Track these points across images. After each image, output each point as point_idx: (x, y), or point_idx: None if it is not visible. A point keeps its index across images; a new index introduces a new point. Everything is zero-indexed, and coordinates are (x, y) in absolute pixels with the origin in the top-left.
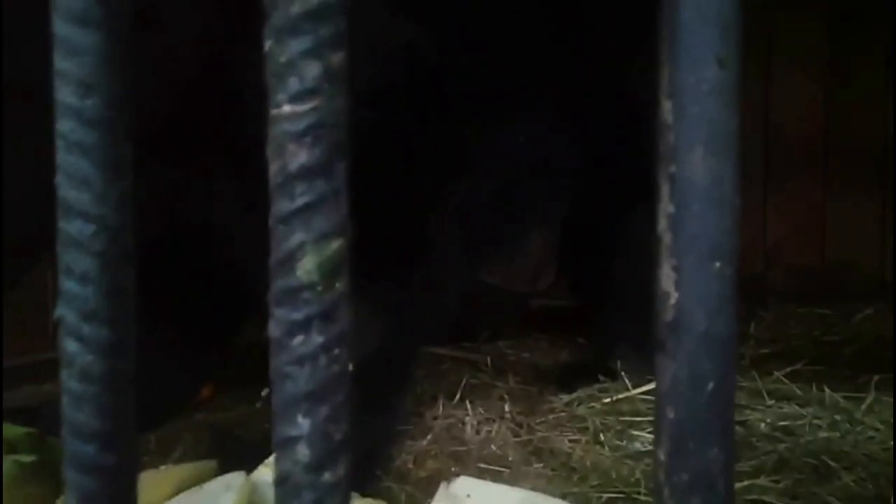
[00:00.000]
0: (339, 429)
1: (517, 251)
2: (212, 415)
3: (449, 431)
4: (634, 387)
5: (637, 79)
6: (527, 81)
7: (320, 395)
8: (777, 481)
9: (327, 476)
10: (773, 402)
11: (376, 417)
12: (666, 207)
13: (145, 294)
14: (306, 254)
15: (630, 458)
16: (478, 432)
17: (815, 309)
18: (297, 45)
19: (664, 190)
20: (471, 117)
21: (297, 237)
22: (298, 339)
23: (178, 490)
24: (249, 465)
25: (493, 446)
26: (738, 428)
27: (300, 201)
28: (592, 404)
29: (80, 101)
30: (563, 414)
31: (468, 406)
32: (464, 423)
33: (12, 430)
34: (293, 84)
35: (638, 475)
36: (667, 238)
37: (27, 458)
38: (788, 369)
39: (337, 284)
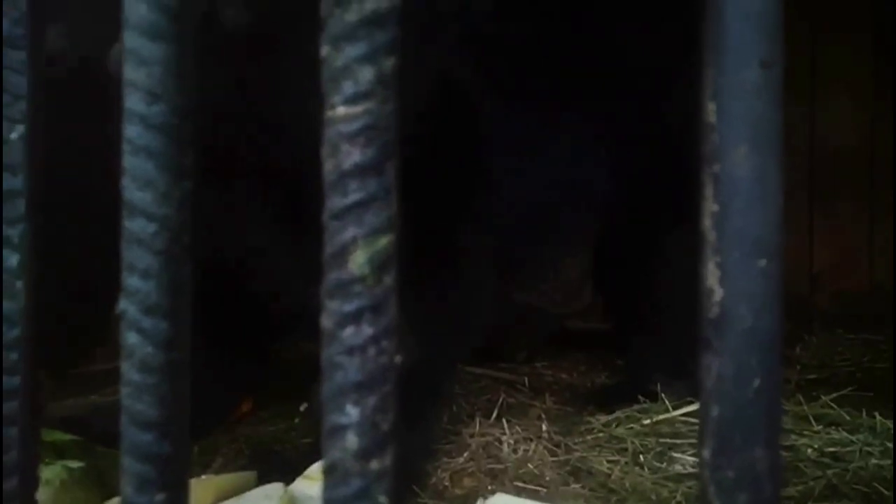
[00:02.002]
0: (386, 419)
1: (551, 272)
2: (251, 428)
3: (486, 449)
4: (674, 408)
5: (673, 102)
6: (562, 103)
7: (369, 386)
8: None
9: (375, 464)
10: (820, 427)
11: (412, 434)
12: (710, 206)
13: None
14: (358, 248)
15: (671, 480)
16: (515, 451)
17: (862, 335)
18: (352, 50)
19: (708, 189)
20: (505, 139)
21: (350, 232)
22: (349, 330)
23: (219, 499)
24: (287, 478)
25: (529, 465)
26: (784, 453)
27: (353, 198)
28: (631, 425)
29: (147, 108)
30: (601, 434)
31: (505, 424)
32: (500, 442)
33: (60, 437)
34: (348, 87)
35: (679, 497)
36: (711, 235)
37: (76, 464)
38: (836, 395)
39: (386, 278)
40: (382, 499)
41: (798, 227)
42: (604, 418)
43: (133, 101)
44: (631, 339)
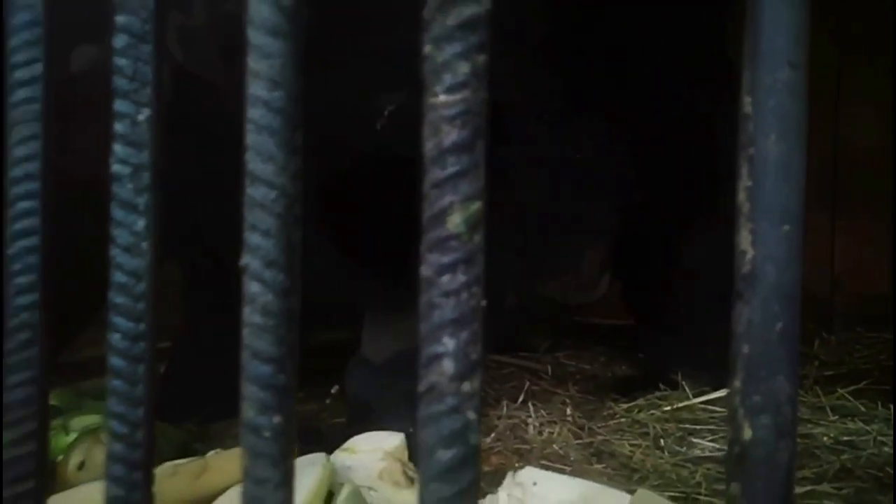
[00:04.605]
0: (475, 350)
1: (572, 264)
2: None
3: (512, 431)
4: (694, 396)
5: (695, 95)
6: (585, 97)
7: (462, 322)
8: (839, 488)
9: (466, 386)
10: (836, 417)
11: None
12: (745, 182)
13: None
14: (455, 211)
15: (690, 462)
16: (540, 433)
17: (881, 334)
18: (451, 49)
19: (744, 168)
20: (529, 133)
21: (448, 198)
22: (446, 277)
23: None
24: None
25: (554, 446)
26: (800, 439)
27: (451, 170)
28: (652, 411)
29: (269, 94)
30: (623, 419)
31: (531, 408)
32: (526, 424)
33: (102, 408)
34: (447, 79)
35: (699, 478)
36: (745, 207)
37: None
38: (852, 388)
39: (476, 237)
40: (471, 414)
41: (820, 230)
42: (626, 404)
43: (256, 88)
44: (651, 329)
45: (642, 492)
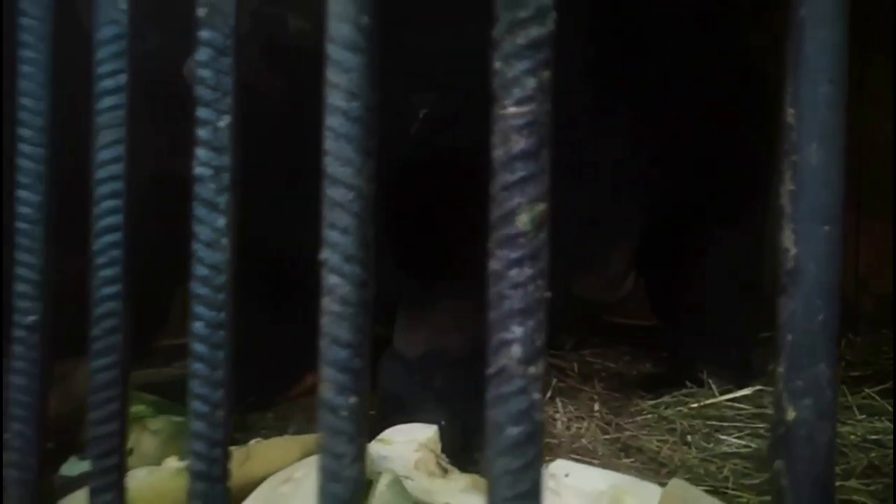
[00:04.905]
0: (540, 337)
1: (598, 264)
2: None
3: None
4: (721, 394)
5: (722, 96)
6: (615, 100)
7: (528, 312)
8: (868, 484)
9: (532, 369)
10: (863, 416)
11: (470, 405)
12: (788, 186)
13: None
14: (522, 211)
15: (718, 458)
16: (568, 428)
17: None
18: (519, 66)
19: (787, 174)
20: (561, 135)
21: (516, 200)
22: (514, 271)
23: (305, 455)
24: None
25: (583, 440)
26: None
27: (518, 175)
28: (679, 408)
29: (347, 104)
30: (650, 416)
31: (559, 404)
32: (554, 420)
33: (147, 398)
34: (516, 93)
35: (727, 473)
36: (788, 208)
37: (178, 418)
38: (879, 387)
39: (541, 234)
40: (536, 395)
41: (845, 232)
42: (652, 401)
43: (335, 99)
44: (676, 329)
45: (676, 481)
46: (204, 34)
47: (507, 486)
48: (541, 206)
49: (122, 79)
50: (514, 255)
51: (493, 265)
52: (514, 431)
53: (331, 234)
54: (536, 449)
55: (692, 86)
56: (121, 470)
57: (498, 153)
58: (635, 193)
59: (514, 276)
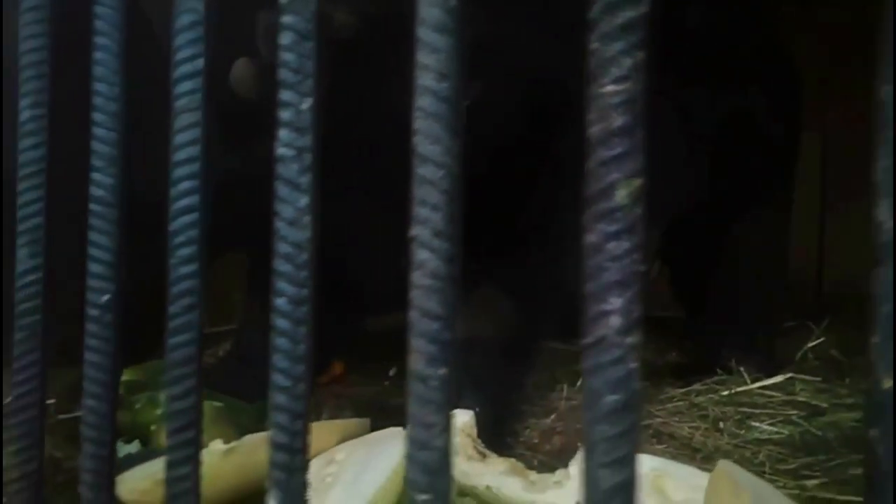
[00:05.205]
0: (637, 308)
1: None
2: (347, 389)
3: (573, 412)
4: (752, 381)
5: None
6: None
7: (626, 283)
8: None
9: (629, 339)
10: None
11: (504, 393)
12: (884, 161)
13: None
14: (620, 186)
15: (752, 444)
16: None
17: None
18: (616, 46)
19: (883, 148)
20: (581, 123)
21: (613, 175)
22: (612, 244)
23: (343, 439)
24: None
25: None
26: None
27: (616, 150)
28: (710, 395)
29: (437, 85)
30: (681, 403)
31: None
32: None
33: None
34: (614, 72)
35: (762, 458)
36: (884, 183)
37: (217, 403)
38: None
39: (636, 209)
40: (633, 364)
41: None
42: (682, 389)
43: (426, 80)
44: (703, 317)
45: (724, 462)
46: (287, 19)
47: (603, 452)
48: (637, 182)
49: (200, 63)
50: (612, 228)
51: (591, 238)
52: (611, 399)
53: (421, 211)
54: (633, 417)
55: (724, 75)
56: (197, 444)
57: (595, 130)
58: (662, 182)
59: (611, 248)
